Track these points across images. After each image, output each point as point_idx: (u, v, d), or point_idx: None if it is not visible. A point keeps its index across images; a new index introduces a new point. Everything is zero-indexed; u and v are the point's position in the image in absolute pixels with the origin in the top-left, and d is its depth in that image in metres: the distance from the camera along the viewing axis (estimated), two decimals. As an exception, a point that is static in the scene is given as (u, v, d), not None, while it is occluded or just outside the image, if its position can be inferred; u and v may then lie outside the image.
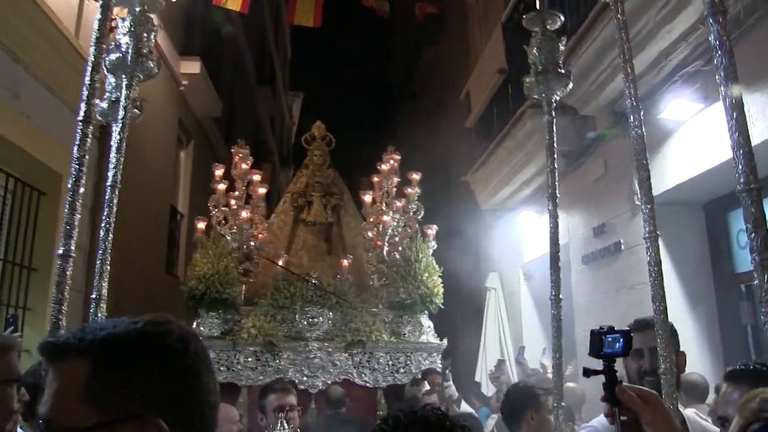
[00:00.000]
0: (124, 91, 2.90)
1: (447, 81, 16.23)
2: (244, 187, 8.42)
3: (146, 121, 9.49)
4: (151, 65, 2.95)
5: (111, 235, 2.76)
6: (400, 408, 1.96)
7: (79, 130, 2.50)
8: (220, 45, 15.23)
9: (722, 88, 2.03)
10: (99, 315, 2.56)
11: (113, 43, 3.07)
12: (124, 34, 2.94)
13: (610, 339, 1.97)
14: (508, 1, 10.00)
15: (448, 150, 14.46)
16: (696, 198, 6.67)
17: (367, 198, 8.39)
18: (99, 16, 2.64)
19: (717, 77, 2.05)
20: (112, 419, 1.22)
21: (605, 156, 7.73)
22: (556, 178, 3.13)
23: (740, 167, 2.00)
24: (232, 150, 8.71)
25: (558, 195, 3.19)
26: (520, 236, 10.95)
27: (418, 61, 20.48)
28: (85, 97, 2.52)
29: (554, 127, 3.16)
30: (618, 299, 7.08)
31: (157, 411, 1.24)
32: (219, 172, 8.35)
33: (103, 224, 2.75)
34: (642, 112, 2.78)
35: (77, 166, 2.47)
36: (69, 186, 2.45)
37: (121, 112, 2.86)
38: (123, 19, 3.01)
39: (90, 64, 2.56)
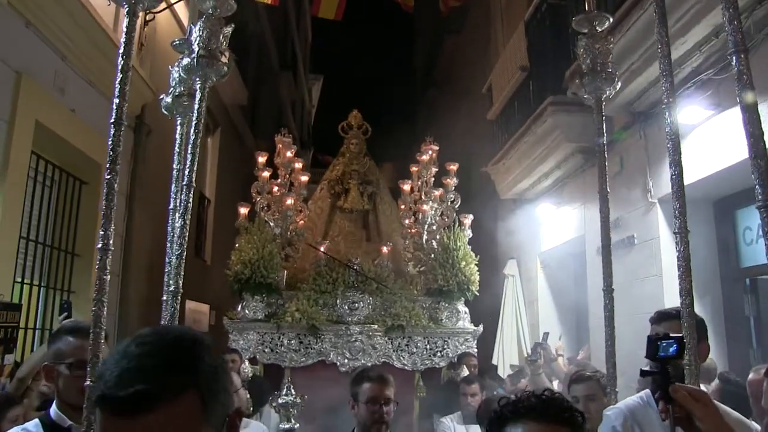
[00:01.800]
0: (198, 95, 2.91)
1: (469, 70, 16.32)
2: (287, 175, 8.66)
3: (177, 110, 9.92)
4: (224, 66, 2.95)
5: (187, 231, 2.80)
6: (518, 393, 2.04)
7: (111, 132, 2.47)
8: (246, 33, 15.51)
9: (744, 116, 2.13)
10: (176, 307, 2.72)
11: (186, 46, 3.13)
12: (197, 37, 2.94)
13: (665, 344, 2.13)
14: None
15: (469, 139, 14.68)
16: (706, 195, 6.92)
17: (406, 187, 8.66)
18: (126, 23, 2.60)
19: (740, 108, 2.14)
20: (222, 423, 1.37)
21: (621, 154, 7.99)
22: (606, 175, 3.20)
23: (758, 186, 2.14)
24: (276, 138, 8.95)
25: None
26: (538, 226, 11.20)
27: (440, 48, 20.48)
28: (116, 102, 2.50)
29: (604, 126, 3.13)
30: (631, 291, 7.36)
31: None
32: (262, 159, 8.54)
33: (178, 224, 2.81)
34: (675, 108, 2.69)
35: (111, 162, 2.44)
36: (105, 182, 2.45)
37: (195, 116, 2.87)
38: (194, 24, 3.04)
39: (119, 70, 2.53)
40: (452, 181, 8.58)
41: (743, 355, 6.60)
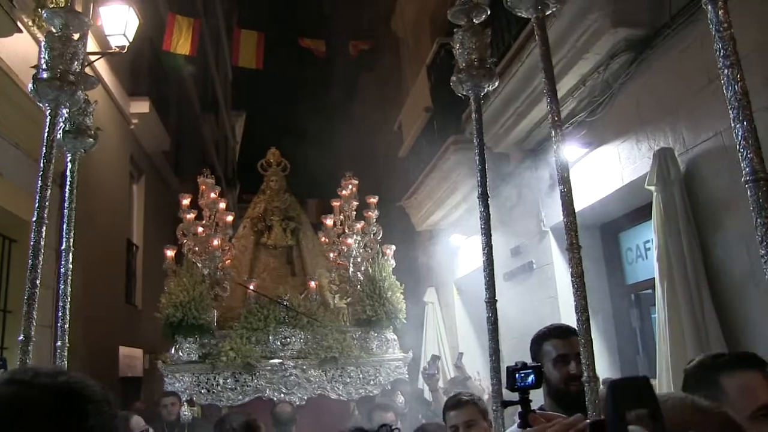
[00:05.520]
0: (46, 125, 2.56)
1: (383, 107, 17.04)
2: (212, 216, 8.79)
3: (100, 160, 10.32)
4: (79, 93, 2.62)
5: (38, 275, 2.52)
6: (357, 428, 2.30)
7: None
8: (166, 80, 15.90)
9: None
10: (64, 362, 2.64)
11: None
12: (44, 59, 2.61)
13: (522, 374, 2.14)
14: (434, 42, 10.93)
15: (385, 175, 15.37)
16: (592, 221, 7.58)
17: (328, 221, 8.97)
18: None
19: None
20: None
21: (518, 186, 8.66)
22: (488, 187, 2.64)
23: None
24: (198, 180, 9.07)
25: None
26: (452, 255, 11.80)
27: (355, 84, 21.21)
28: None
29: (482, 125, 2.78)
30: (534, 312, 8.02)
31: None
32: (186, 201, 8.65)
33: (60, 298, 2.74)
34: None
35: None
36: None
37: (44, 149, 2.55)
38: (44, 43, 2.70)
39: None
40: (373, 214, 8.93)
41: (632, 363, 7.28)
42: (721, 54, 1.57)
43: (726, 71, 1.56)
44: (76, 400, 1.04)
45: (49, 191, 2.56)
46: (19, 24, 7.46)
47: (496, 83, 2.82)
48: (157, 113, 13.55)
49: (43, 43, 2.61)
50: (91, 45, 9.82)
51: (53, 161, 2.57)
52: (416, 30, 13.78)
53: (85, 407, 1.04)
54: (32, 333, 2.37)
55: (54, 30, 2.63)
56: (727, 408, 1.86)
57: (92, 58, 9.40)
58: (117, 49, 9.70)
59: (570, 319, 2.99)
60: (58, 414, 1.01)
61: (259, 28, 14.22)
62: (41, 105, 2.63)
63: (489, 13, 2.85)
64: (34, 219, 2.52)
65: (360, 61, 18.46)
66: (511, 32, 7.42)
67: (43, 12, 2.82)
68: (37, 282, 2.45)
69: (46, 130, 2.56)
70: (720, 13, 1.58)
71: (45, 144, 2.55)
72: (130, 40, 9.64)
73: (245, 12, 28.55)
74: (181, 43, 11.99)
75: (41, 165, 2.54)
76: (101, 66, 10.34)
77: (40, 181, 2.55)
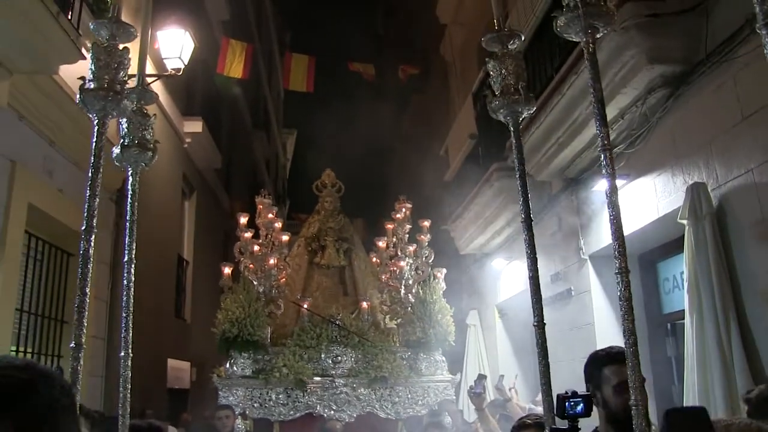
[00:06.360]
0: (95, 133, 2.59)
1: (431, 130, 17.29)
2: (269, 235, 8.91)
3: (154, 177, 10.70)
4: (125, 103, 2.63)
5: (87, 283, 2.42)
6: None
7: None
8: (219, 100, 16.34)
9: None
10: (128, 372, 2.68)
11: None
12: (91, 70, 2.60)
13: (572, 402, 2.26)
14: (481, 69, 11.10)
15: (430, 197, 15.57)
16: (630, 251, 7.66)
17: (381, 243, 9.09)
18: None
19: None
20: None
21: (559, 214, 8.80)
22: (530, 207, 2.58)
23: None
24: (257, 199, 9.18)
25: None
26: (495, 278, 11.95)
27: (404, 107, 21.46)
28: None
29: (522, 149, 2.70)
30: (571, 337, 8.14)
31: None
32: (244, 220, 8.78)
33: (123, 309, 2.72)
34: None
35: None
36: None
37: (92, 158, 2.54)
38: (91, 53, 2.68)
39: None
40: (425, 238, 8.97)
41: (667, 392, 7.32)
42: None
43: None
44: (28, 373, 1.23)
45: (97, 200, 2.56)
46: (83, 51, 7.85)
47: (533, 108, 2.72)
48: (210, 132, 13.98)
49: (89, 55, 2.62)
50: (149, 67, 10.22)
51: (101, 170, 2.55)
52: (464, 56, 14.00)
53: (36, 379, 1.23)
54: (83, 340, 2.39)
55: (100, 41, 2.65)
56: None
57: (149, 80, 9.77)
58: (173, 72, 10.08)
59: (606, 345, 3.08)
60: (9, 380, 1.20)
61: (310, 51, 14.63)
62: (89, 115, 2.61)
63: (522, 38, 2.79)
64: (83, 228, 2.52)
65: (409, 84, 18.72)
66: (553, 65, 7.57)
67: (90, 24, 2.80)
68: (87, 290, 2.45)
69: (94, 139, 2.57)
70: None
71: (93, 153, 2.54)
72: (186, 63, 10.01)
73: (297, 35, 29.03)
74: (235, 67, 12.41)
75: (89, 174, 2.53)
76: (157, 87, 10.72)
77: (88, 190, 2.53)
